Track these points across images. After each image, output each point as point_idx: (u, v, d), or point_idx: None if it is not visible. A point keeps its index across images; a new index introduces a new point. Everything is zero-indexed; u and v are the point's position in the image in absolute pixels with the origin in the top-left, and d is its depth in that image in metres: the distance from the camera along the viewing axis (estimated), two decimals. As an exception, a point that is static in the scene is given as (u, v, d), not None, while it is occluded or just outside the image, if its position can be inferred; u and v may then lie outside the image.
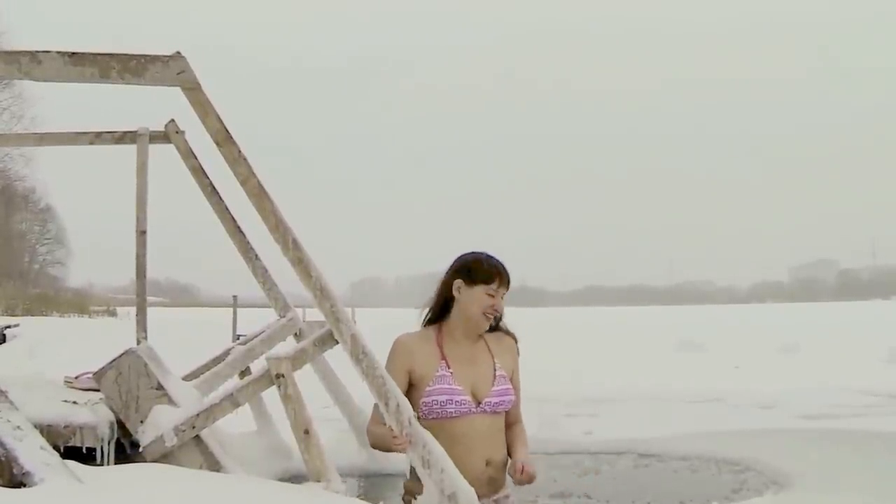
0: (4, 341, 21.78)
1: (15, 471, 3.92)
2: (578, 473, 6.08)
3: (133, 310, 7.96)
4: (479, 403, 4.84)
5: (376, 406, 4.91)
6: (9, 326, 25.50)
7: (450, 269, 4.96)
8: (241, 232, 7.23)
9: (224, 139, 4.87)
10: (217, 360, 6.91)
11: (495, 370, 4.88)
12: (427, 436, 4.68)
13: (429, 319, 5.10)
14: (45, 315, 47.36)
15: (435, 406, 4.77)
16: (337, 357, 5.63)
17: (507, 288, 4.95)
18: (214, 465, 4.91)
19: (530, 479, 4.48)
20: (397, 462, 5.54)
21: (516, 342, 5.17)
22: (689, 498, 4.55)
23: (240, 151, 4.87)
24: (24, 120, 54.94)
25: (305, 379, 5.17)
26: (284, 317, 7.05)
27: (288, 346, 6.34)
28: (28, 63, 4.64)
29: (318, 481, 4.82)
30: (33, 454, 4.00)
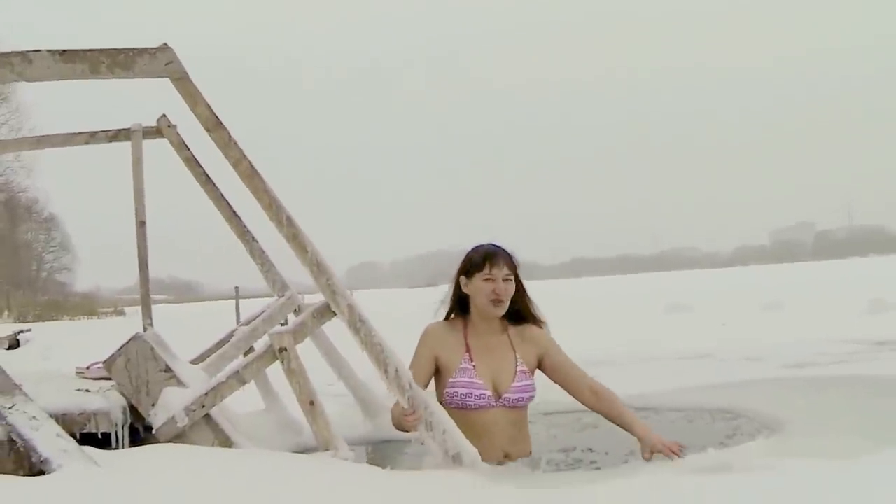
0: (18, 346, 21.75)
1: (34, 459, 3.94)
2: (577, 429, 6.08)
3: (140, 309, 7.93)
4: (500, 398, 4.87)
5: None
6: (21, 332, 25.46)
7: (456, 270, 5.11)
8: (237, 216, 7.23)
9: (214, 125, 4.86)
10: (221, 344, 6.91)
11: (517, 366, 4.94)
12: (429, 399, 4.68)
13: (454, 313, 5.19)
14: (56, 320, 47.38)
15: (456, 397, 4.84)
16: (340, 335, 5.63)
17: (507, 267, 4.99)
18: (226, 442, 4.90)
19: (679, 449, 4.55)
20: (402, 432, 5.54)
21: (543, 325, 5.21)
22: (686, 445, 4.54)
23: (230, 136, 4.86)
24: (23, 132, 54.74)
25: (309, 358, 5.16)
26: (283, 296, 7.05)
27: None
28: (20, 63, 4.59)
29: (327, 450, 4.82)
30: (50, 442, 4.02)
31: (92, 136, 7.69)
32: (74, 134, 7.73)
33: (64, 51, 4.66)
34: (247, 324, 7.04)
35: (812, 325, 14.58)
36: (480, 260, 5.04)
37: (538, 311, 5.29)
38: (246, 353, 6.27)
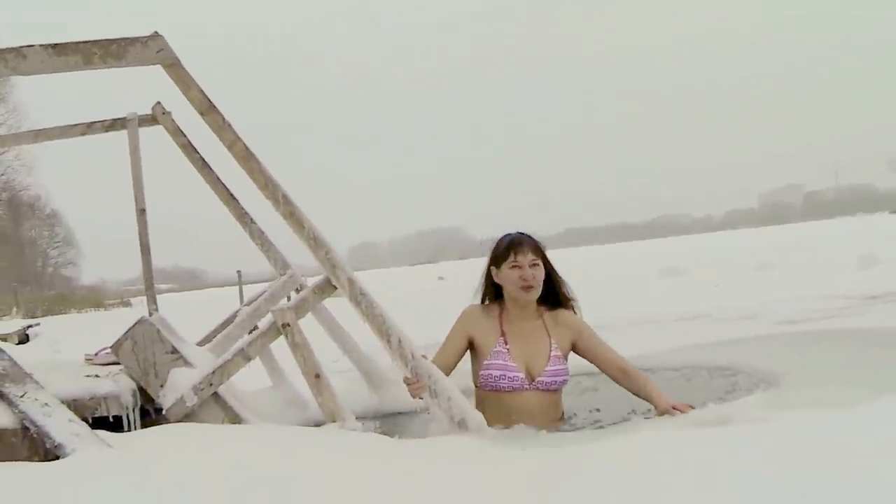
0: (28, 340, 21.70)
1: (48, 445, 3.96)
2: (578, 393, 6.08)
3: (146, 298, 7.94)
4: (533, 381, 4.91)
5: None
6: (30, 326, 25.41)
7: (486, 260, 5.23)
8: (234, 199, 7.23)
9: (208, 108, 4.86)
10: (226, 324, 6.93)
11: (551, 350, 4.99)
12: (432, 367, 4.69)
13: (489, 299, 5.25)
14: (64, 313, 47.30)
15: (490, 379, 4.88)
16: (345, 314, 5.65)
17: (532, 253, 5.05)
18: (235, 419, 4.91)
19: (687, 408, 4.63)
20: (409, 402, 5.56)
21: (574, 307, 5.25)
22: (694, 406, 4.57)
23: (224, 118, 4.86)
24: (22, 131, 54.77)
25: (312, 336, 5.17)
26: (284, 274, 7.06)
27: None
28: (14, 59, 4.60)
29: (334, 422, 4.83)
30: (63, 427, 4.03)
31: (89, 127, 7.69)
32: (71, 126, 7.72)
33: (56, 44, 4.66)
34: (250, 304, 7.05)
35: (804, 282, 14.58)
36: (505, 249, 5.14)
37: (569, 290, 5.36)
38: (250, 333, 6.28)
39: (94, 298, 56.33)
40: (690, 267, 23.71)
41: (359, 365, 6.59)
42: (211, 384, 4.88)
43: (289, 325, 4.92)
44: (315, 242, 4.88)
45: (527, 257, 5.03)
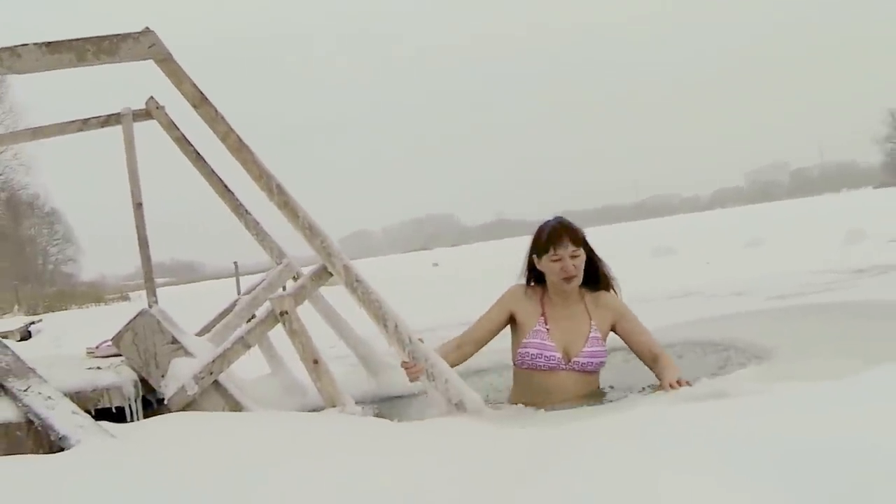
0: (30, 337, 21.70)
1: (52, 437, 3.96)
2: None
3: (145, 292, 7.95)
4: (569, 361, 4.93)
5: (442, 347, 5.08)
6: (33, 323, 25.46)
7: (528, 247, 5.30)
8: (229, 191, 7.24)
9: (200, 101, 4.85)
10: (224, 314, 6.94)
11: (590, 332, 5.03)
12: (429, 350, 4.70)
13: (532, 282, 5.33)
14: (65, 309, 47.40)
15: (527, 357, 4.92)
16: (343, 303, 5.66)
17: (572, 244, 5.07)
18: (236, 407, 4.91)
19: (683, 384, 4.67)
20: (407, 386, 5.58)
21: (615, 289, 5.28)
22: (690, 383, 4.59)
23: (216, 111, 4.86)
24: (20, 129, 54.75)
25: (310, 324, 5.18)
26: (280, 263, 7.06)
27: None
28: (8, 58, 4.59)
29: (333, 406, 4.84)
30: (66, 419, 4.04)
31: (84, 124, 7.68)
32: (67, 123, 7.71)
33: (50, 42, 4.66)
34: (248, 293, 7.06)
35: (792, 258, 14.63)
36: (545, 242, 5.17)
37: (609, 271, 5.40)
38: (249, 321, 6.28)
39: (94, 294, 56.44)
40: (681, 246, 23.83)
41: (356, 350, 6.59)
42: (211, 373, 4.88)
43: (286, 312, 4.92)
44: (310, 231, 4.89)
45: (567, 250, 5.08)
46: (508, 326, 5.31)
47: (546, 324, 5.10)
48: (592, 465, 2.66)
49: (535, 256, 5.24)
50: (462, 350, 5.21)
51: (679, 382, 4.63)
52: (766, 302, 9.12)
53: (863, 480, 2.14)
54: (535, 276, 5.33)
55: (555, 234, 5.12)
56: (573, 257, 5.07)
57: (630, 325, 5.21)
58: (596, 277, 5.28)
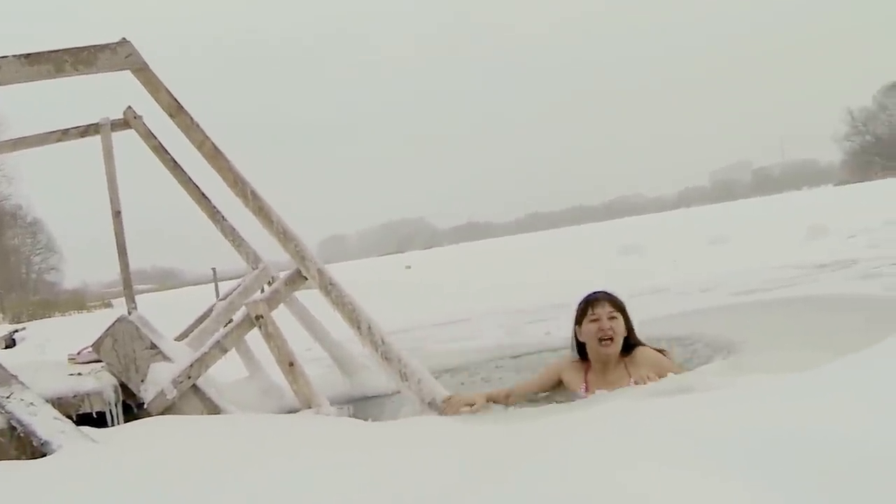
0: (15, 345, 21.61)
1: (35, 443, 3.95)
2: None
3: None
4: None
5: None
6: (17, 330, 25.34)
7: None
8: (206, 198, 7.25)
9: (176, 110, 4.85)
10: (202, 319, 6.94)
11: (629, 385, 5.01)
12: (402, 351, 4.70)
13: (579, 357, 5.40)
14: (48, 317, 47.25)
15: None
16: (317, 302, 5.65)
17: (610, 305, 5.16)
18: (214, 410, 4.91)
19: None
20: (380, 386, 5.59)
21: (664, 352, 5.30)
22: (655, 378, 4.61)
23: (192, 119, 4.86)
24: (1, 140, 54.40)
25: (286, 326, 5.19)
26: (256, 268, 7.06)
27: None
28: (-13, 70, 4.57)
29: (309, 407, 4.84)
30: (48, 425, 4.03)
31: (64, 134, 7.67)
32: (47, 133, 7.71)
33: (29, 54, 4.65)
34: (224, 298, 7.06)
35: (756, 254, 14.73)
36: (584, 305, 5.32)
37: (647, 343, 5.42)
38: (226, 326, 6.28)
39: (77, 301, 56.30)
40: (647, 245, 23.85)
41: (331, 352, 6.60)
42: (190, 377, 4.89)
43: (262, 316, 4.93)
44: (284, 236, 4.89)
45: (605, 309, 5.19)
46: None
47: (587, 391, 5.17)
48: (562, 460, 2.66)
49: (577, 327, 5.36)
50: (509, 400, 5.27)
51: (644, 378, 4.66)
52: (732, 297, 9.16)
53: (828, 470, 2.14)
54: (579, 350, 5.40)
55: (593, 298, 5.30)
56: (611, 318, 5.17)
57: (672, 370, 5.11)
58: (631, 344, 5.30)
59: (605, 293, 5.31)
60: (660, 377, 4.97)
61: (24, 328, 28.02)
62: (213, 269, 25.42)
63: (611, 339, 5.11)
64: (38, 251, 78.61)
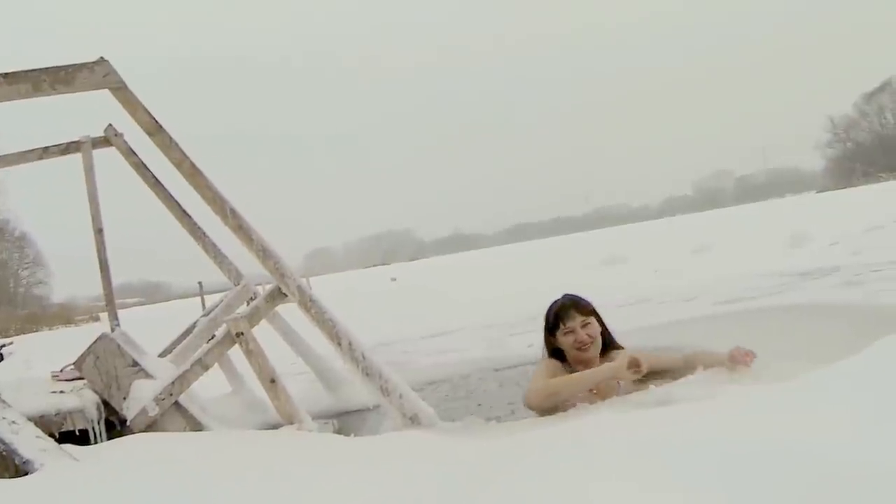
0: (2, 360, 21.48)
1: (17, 462, 3.92)
2: (527, 381, 6.11)
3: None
4: None
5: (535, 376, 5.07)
6: (4, 345, 25.17)
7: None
8: (187, 215, 7.24)
9: (155, 129, 4.84)
10: (185, 335, 6.93)
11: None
12: (383, 366, 4.69)
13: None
14: (36, 331, 47.21)
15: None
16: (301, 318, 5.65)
17: (580, 314, 5.11)
18: (197, 426, 4.90)
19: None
20: (364, 400, 5.58)
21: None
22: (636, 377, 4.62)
23: (171, 138, 4.85)
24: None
25: (270, 343, 5.19)
26: (238, 284, 7.06)
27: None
28: (-34, 90, 4.55)
29: (291, 424, 4.83)
30: (30, 444, 4.00)
31: (45, 152, 7.66)
32: (28, 151, 7.69)
33: (7, 73, 4.63)
34: (207, 314, 7.05)
35: (740, 262, 14.74)
36: (554, 318, 5.27)
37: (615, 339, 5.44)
38: (208, 342, 6.27)
39: (65, 315, 56.32)
40: (630, 254, 23.91)
41: (314, 367, 6.61)
42: (172, 394, 4.87)
43: (242, 333, 4.91)
44: (264, 253, 4.89)
45: (576, 321, 5.15)
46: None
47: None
48: (539, 475, 2.65)
49: (551, 336, 5.31)
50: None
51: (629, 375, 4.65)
52: (715, 306, 9.18)
53: (807, 482, 2.14)
54: (556, 353, 5.35)
55: (562, 309, 5.23)
56: (584, 326, 5.15)
57: (651, 362, 5.08)
58: (606, 344, 5.30)
59: (572, 300, 5.26)
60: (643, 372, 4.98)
61: (11, 343, 27.90)
62: (200, 283, 25.51)
63: (588, 344, 5.11)
64: (25, 265, 78.72)
